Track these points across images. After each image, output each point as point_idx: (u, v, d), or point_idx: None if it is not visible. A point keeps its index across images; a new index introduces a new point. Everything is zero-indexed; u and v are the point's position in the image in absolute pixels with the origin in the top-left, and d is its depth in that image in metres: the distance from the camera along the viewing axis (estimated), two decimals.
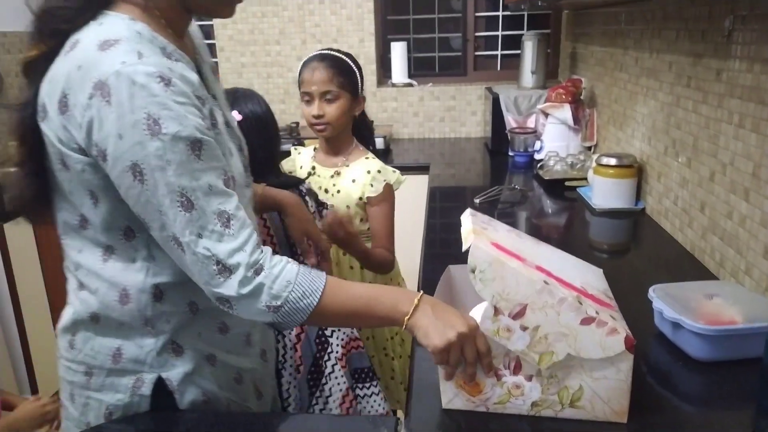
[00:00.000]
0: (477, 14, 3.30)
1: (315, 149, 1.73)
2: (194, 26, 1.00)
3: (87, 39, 0.80)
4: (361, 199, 1.59)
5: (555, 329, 0.83)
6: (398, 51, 3.25)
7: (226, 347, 1.00)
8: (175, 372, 0.95)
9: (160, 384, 0.95)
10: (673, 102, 1.61)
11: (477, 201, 2.00)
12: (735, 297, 1.07)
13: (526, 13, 3.25)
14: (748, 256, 1.22)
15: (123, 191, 0.82)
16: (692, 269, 1.42)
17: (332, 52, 1.60)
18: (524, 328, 0.83)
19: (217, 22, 3.33)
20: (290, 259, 0.88)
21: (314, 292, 0.86)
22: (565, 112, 2.37)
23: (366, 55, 3.22)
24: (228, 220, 0.82)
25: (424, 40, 3.40)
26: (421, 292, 0.90)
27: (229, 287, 0.82)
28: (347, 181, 1.62)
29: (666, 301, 1.06)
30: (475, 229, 0.90)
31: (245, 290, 0.82)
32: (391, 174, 1.62)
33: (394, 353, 1.73)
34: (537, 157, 2.43)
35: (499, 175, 2.58)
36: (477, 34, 3.34)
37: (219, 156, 0.84)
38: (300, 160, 1.73)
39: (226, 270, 0.81)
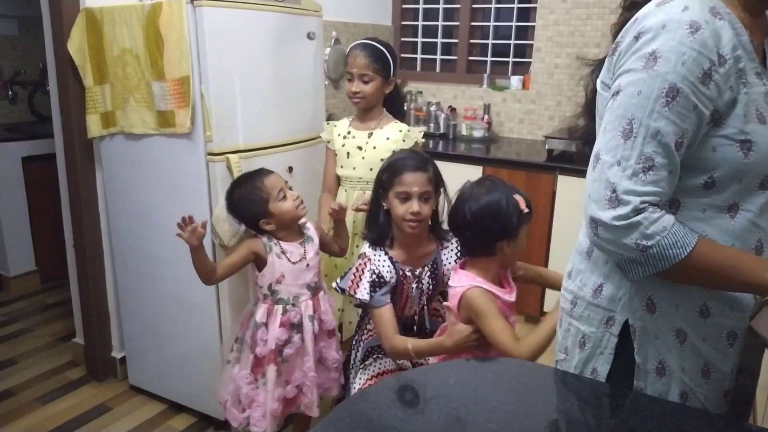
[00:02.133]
0: None
1: (351, 119, 2.18)
2: None
3: (652, 1, 0.92)
4: (394, 152, 1.90)
5: None
6: None
7: (702, 333, 0.98)
8: (641, 325, 0.99)
9: (626, 329, 1.00)
10: None
11: None
12: None
13: None
14: None
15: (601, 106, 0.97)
16: None
17: (372, 42, 2.05)
18: None
19: (539, 23, 3.43)
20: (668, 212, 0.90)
21: (686, 245, 0.87)
22: None
23: None
24: (649, 168, 0.87)
25: None
26: None
27: (608, 215, 0.89)
28: (381, 139, 2.09)
29: None
30: None
31: (620, 223, 0.88)
32: (417, 134, 2.12)
33: None
34: None
35: None
36: None
37: (687, 117, 0.87)
38: (337, 130, 2.17)
39: (616, 201, 0.88)
